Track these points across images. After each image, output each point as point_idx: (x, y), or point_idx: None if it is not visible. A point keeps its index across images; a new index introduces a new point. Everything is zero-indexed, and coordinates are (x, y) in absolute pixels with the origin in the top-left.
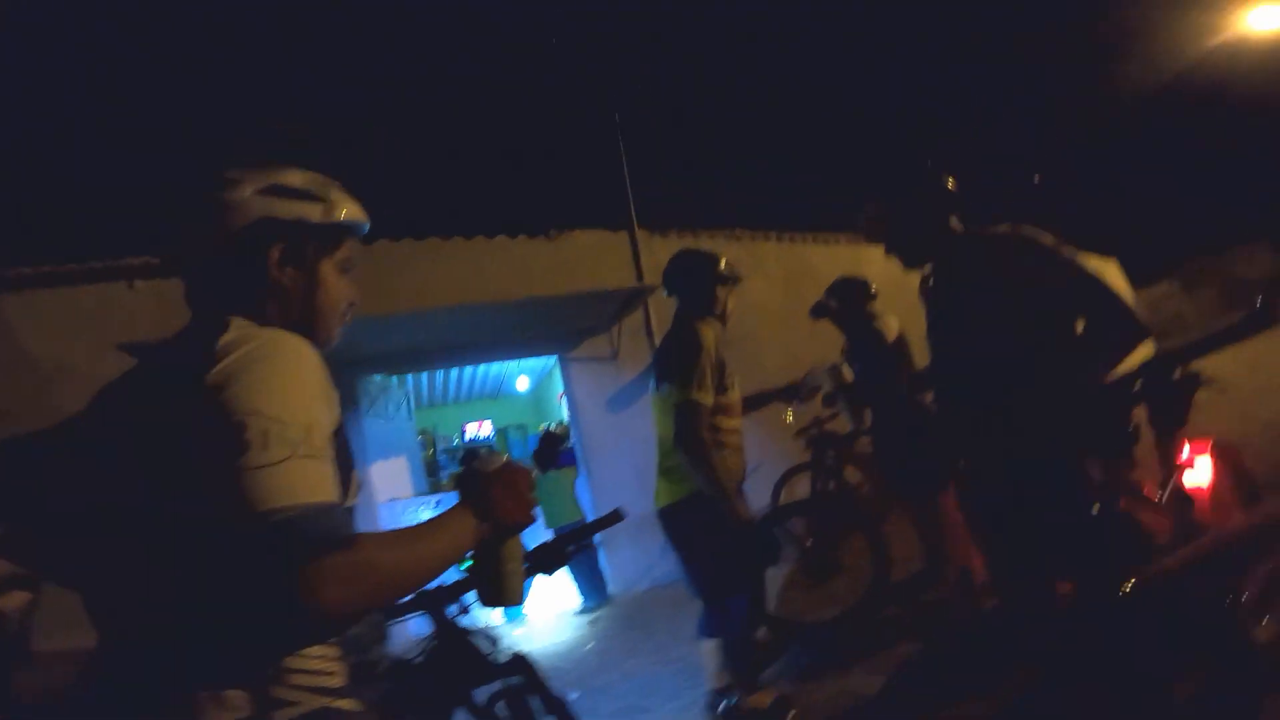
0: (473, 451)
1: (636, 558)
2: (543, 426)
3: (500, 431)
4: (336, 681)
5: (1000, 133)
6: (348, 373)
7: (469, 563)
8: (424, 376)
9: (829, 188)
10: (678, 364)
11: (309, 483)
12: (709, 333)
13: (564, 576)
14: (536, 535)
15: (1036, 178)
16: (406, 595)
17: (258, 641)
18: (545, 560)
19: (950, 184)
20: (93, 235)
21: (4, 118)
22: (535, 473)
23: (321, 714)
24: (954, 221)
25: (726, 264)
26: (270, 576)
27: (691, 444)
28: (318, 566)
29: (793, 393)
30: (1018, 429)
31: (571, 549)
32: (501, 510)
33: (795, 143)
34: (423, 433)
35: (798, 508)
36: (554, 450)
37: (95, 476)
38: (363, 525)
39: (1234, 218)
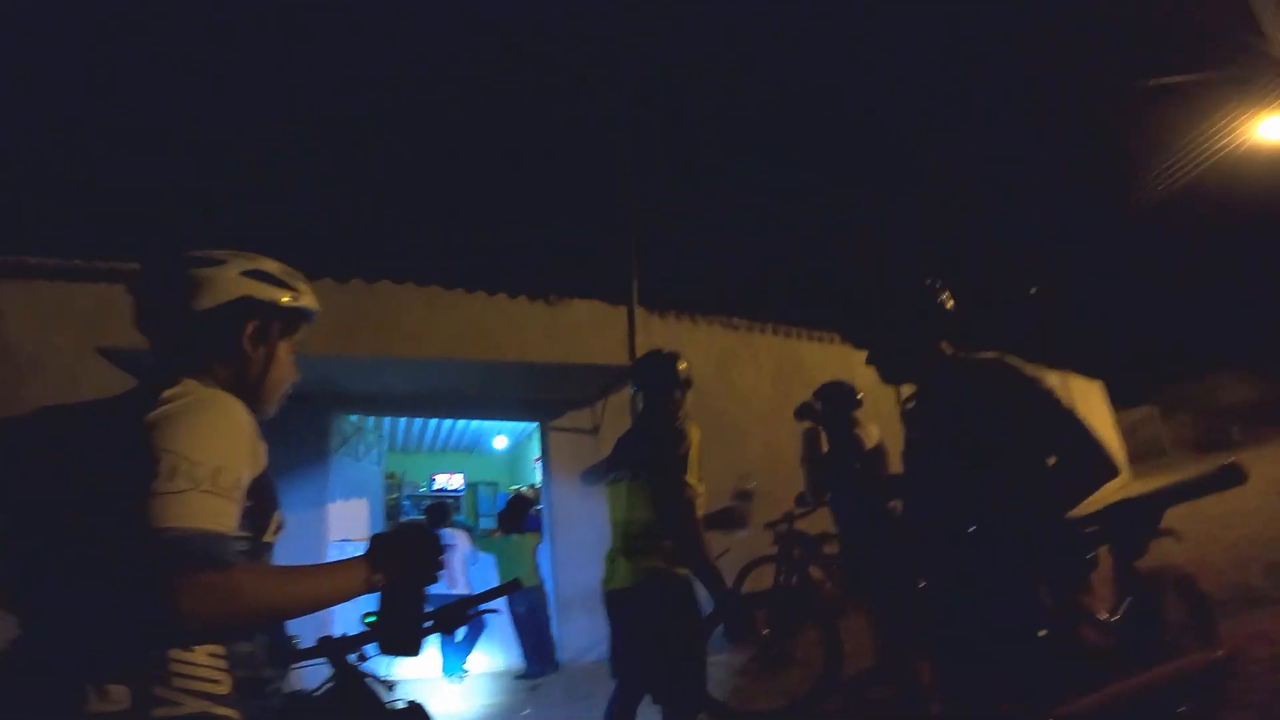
0: (438, 502)
1: (590, 628)
2: (513, 488)
3: (470, 486)
4: (221, 690)
5: (998, 244)
6: (323, 411)
7: (372, 617)
8: (400, 421)
9: (829, 287)
10: (669, 453)
11: (201, 512)
12: (694, 429)
13: (510, 639)
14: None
15: (1034, 290)
16: (276, 620)
17: (132, 640)
18: (444, 619)
19: (948, 303)
20: (100, 235)
21: (32, 109)
22: (498, 533)
23: (200, 717)
24: (944, 344)
25: (687, 367)
26: (145, 582)
27: (688, 524)
28: (186, 580)
29: (725, 520)
30: (977, 550)
31: (470, 611)
32: (399, 564)
33: (801, 240)
34: (390, 476)
35: (758, 598)
36: (521, 513)
37: (35, 481)
38: (311, 561)
39: (1216, 342)
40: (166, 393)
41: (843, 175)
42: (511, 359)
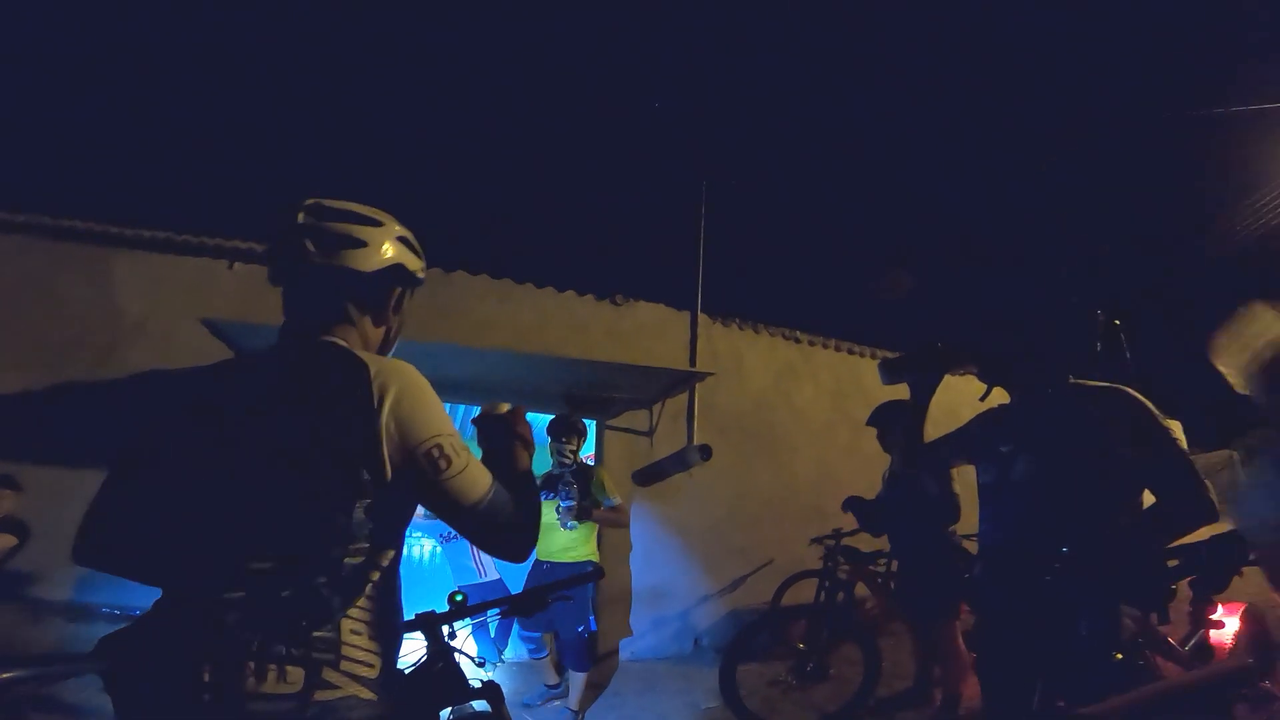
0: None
1: (623, 626)
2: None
3: None
4: (372, 674)
5: (1079, 270)
6: None
7: (460, 595)
8: (460, 407)
9: (895, 306)
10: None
11: (483, 474)
12: None
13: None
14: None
15: (1117, 321)
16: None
17: (323, 623)
18: (524, 604)
19: (1100, 335)
20: (208, 211)
21: (154, 88)
22: None
23: (350, 701)
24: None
25: None
26: (508, 533)
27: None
28: (523, 507)
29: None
30: (1066, 570)
31: (551, 597)
32: (528, 442)
33: (869, 256)
34: None
35: (799, 611)
36: None
37: (234, 439)
38: None
39: None
40: (376, 369)
41: (917, 190)
42: (574, 355)
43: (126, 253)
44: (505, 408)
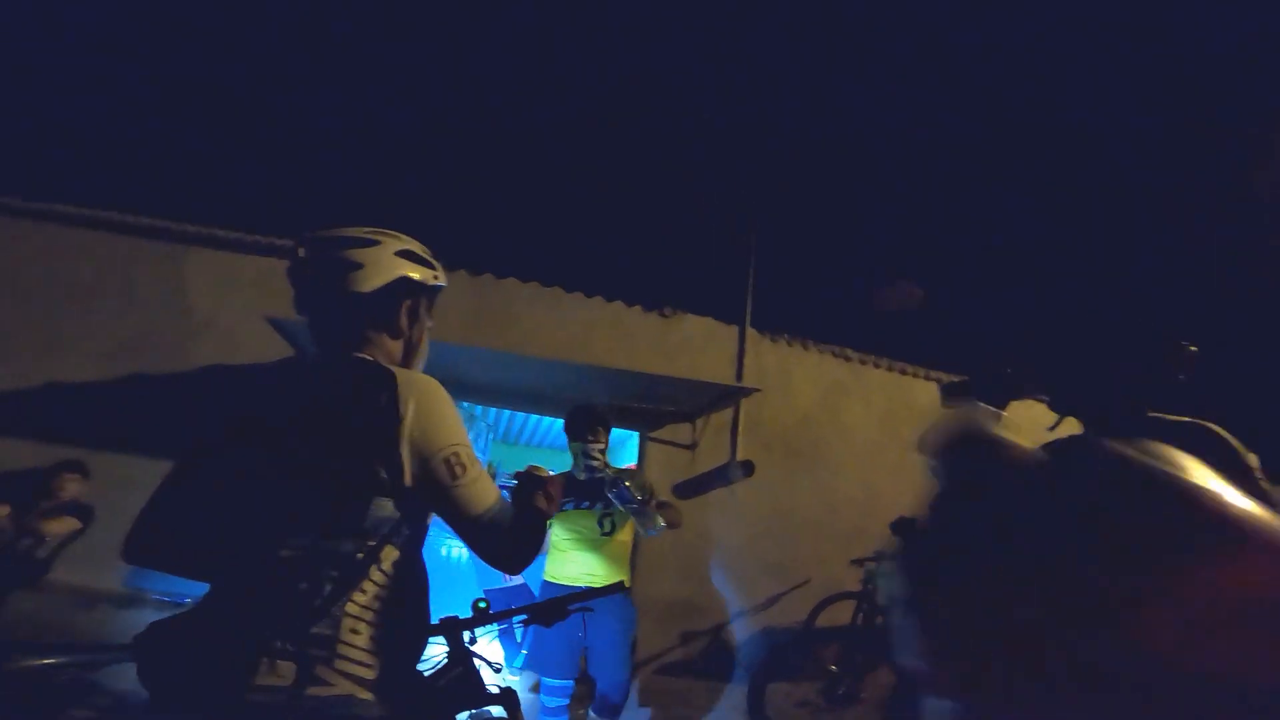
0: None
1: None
2: None
3: None
4: (369, 675)
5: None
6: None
7: (484, 602)
8: (505, 413)
9: (951, 327)
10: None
11: (492, 489)
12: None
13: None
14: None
15: (1193, 347)
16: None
17: (319, 619)
18: (546, 613)
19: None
20: (278, 212)
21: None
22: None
23: (345, 700)
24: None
25: None
26: (508, 547)
27: None
28: (525, 539)
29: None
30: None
31: (572, 607)
32: (553, 502)
33: (925, 272)
34: (488, 465)
35: (834, 632)
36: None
37: (267, 442)
38: None
39: None
40: (403, 380)
41: (980, 208)
42: (620, 366)
43: (198, 250)
44: (546, 473)
